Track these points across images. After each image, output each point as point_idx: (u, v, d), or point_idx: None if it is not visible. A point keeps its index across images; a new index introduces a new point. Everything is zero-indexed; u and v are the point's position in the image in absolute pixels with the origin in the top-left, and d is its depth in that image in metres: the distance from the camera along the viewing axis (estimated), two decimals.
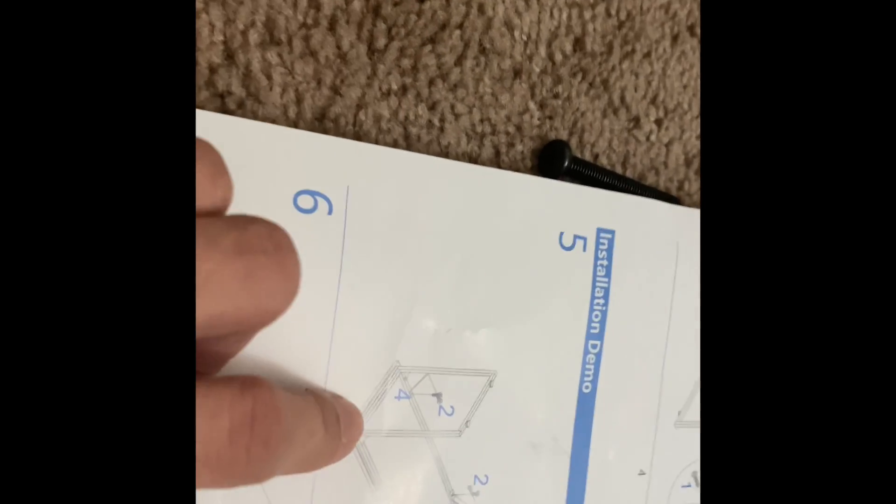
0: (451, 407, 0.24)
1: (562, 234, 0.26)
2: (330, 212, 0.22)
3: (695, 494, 0.30)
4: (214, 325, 0.13)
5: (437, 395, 0.24)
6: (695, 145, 0.31)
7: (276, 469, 0.16)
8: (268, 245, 0.14)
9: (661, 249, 0.28)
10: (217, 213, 0.15)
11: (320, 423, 0.19)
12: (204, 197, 0.14)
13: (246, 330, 0.15)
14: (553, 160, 0.27)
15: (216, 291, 0.13)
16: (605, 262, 0.27)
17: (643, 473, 0.28)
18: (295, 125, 0.23)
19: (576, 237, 0.26)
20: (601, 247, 0.27)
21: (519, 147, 0.27)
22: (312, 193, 0.21)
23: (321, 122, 0.23)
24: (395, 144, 0.24)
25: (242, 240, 0.13)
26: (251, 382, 0.15)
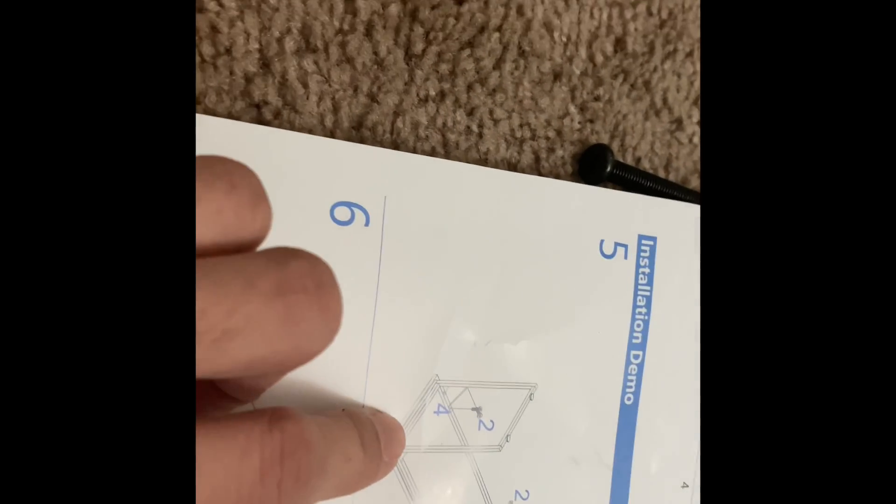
0: (492, 421, 0.24)
1: (602, 241, 0.25)
2: (367, 223, 0.21)
3: None
4: (253, 367, 0.13)
5: (477, 410, 0.23)
6: None
7: (310, 500, 0.16)
8: (309, 283, 0.13)
9: None
10: (255, 243, 0.14)
11: (358, 446, 0.18)
12: (243, 227, 0.13)
13: (283, 369, 0.14)
14: (595, 165, 0.26)
15: (255, 335, 0.12)
16: (646, 270, 0.26)
17: (686, 486, 0.28)
18: (332, 134, 0.22)
19: (616, 245, 0.25)
20: (643, 254, 0.26)
21: (559, 152, 0.26)
22: (349, 205, 0.21)
23: (358, 131, 0.22)
24: (433, 152, 0.24)
25: (283, 279, 0.13)
26: (279, 415, 0.15)
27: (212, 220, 0.13)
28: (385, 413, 0.22)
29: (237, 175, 0.13)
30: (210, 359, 0.12)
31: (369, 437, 0.19)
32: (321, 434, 0.16)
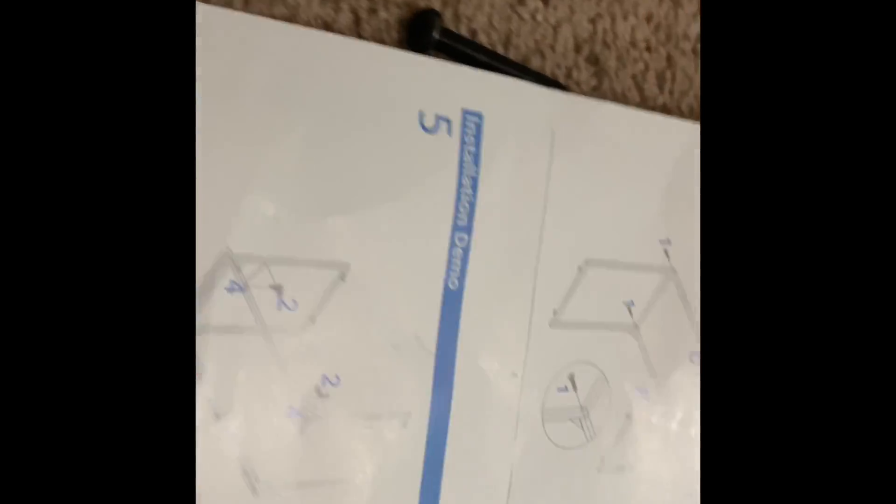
0: (294, 301, 0.22)
1: (422, 113, 0.23)
2: None
3: (572, 398, 0.29)
4: None
5: (277, 288, 0.21)
6: (586, 29, 0.29)
7: None
8: None
9: (535, 137, 0.26)
10: None
11: None
12: None
13: None
14: (422, 32, 0.24)
15: None
16: (472, 149, 0.24)
17: (515, 375, 0.27)
18: None
19: (438, 118, 0.24)
20: (468, 131, 0.24)
21: (383, 14, 0.24)
22: None
23: None
24: (230, 5, 0.21)
25: None
26: None
27: None
28: None
29: None
30: None
31: None
32: None
